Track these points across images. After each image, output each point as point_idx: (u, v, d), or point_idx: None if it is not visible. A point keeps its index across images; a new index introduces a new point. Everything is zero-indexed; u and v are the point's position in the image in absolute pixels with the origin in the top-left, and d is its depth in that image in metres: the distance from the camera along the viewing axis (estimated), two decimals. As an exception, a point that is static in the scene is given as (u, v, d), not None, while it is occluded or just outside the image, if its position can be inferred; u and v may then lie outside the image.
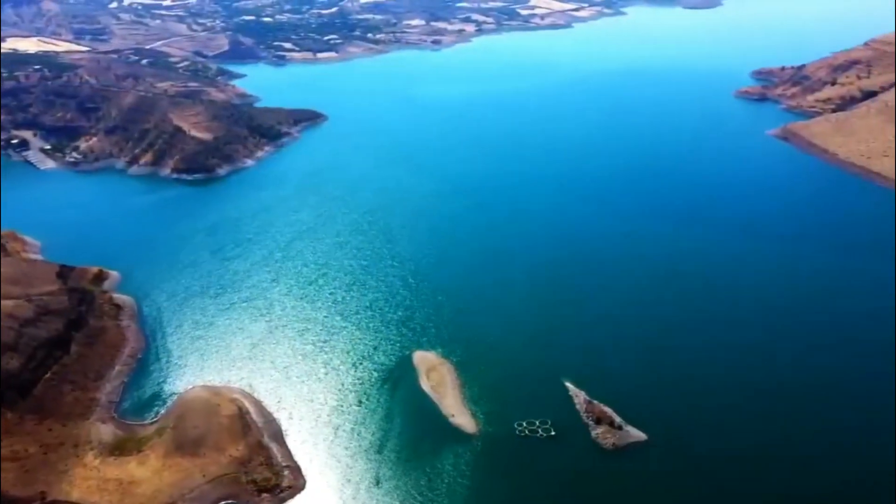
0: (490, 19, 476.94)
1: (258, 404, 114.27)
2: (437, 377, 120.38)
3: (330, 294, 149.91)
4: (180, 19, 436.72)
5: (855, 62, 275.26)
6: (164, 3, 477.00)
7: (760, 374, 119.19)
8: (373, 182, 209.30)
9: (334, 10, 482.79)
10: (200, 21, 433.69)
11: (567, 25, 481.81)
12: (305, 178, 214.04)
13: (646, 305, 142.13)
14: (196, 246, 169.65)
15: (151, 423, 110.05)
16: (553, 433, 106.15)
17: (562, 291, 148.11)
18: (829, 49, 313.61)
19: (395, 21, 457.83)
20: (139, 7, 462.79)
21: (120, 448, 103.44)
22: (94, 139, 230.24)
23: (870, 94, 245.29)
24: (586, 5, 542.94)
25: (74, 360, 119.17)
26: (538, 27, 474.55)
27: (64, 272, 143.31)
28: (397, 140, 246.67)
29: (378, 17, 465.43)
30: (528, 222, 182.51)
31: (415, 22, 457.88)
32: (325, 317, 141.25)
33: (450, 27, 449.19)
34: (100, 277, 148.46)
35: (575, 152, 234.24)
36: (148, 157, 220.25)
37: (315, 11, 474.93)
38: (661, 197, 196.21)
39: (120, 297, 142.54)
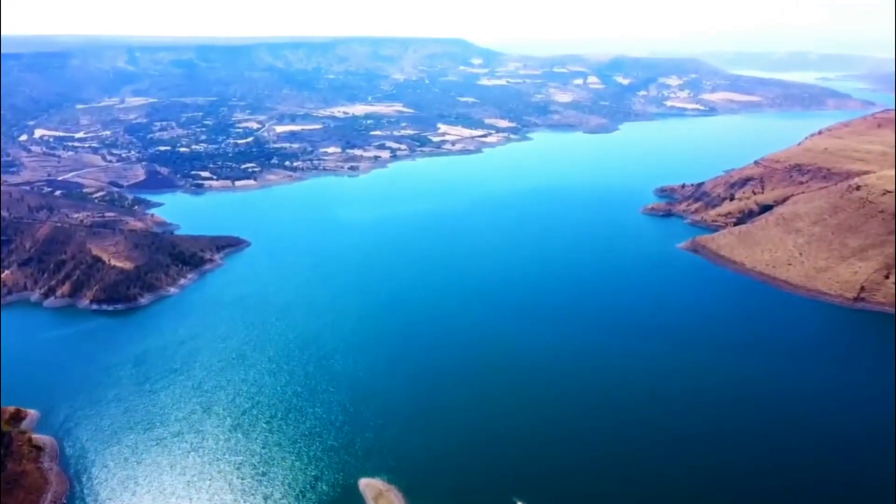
0: (404, 146, 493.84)
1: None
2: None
3: (266, 423, 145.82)
4: (94, 150, 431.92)
5: (749, 179, 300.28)
6: (77, 136, 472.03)
7: (714, 482, 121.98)
8: (300, 305, 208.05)
9: (250, 139, 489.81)
10: (115, 152, 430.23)
11: (477, 150, 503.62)
12: (231, 304, 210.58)
13: (587, 418, 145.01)
14: (120, 379, 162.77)
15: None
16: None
17: (501, 409, 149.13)
18: (721, 167, 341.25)
19: (311, 149, 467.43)
20: (51, 139, 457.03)
21: None
22: (7, 272, 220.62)
23: (766, 208, 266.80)
24: (493, 132, 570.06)
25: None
26: (450, 152, 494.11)
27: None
28: (322, 262, 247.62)
29: (294, 145, 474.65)
30: (459, 338, 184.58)
31: (331, 149, 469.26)
32: (262, 448, 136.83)
33: (365, 154, 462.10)
34: (17, 418, 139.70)
35: (497, 267, 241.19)
36: (65, 289, 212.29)
37: (231, 141, 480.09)
38: (590, 311, 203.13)
39: (40, 438, 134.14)
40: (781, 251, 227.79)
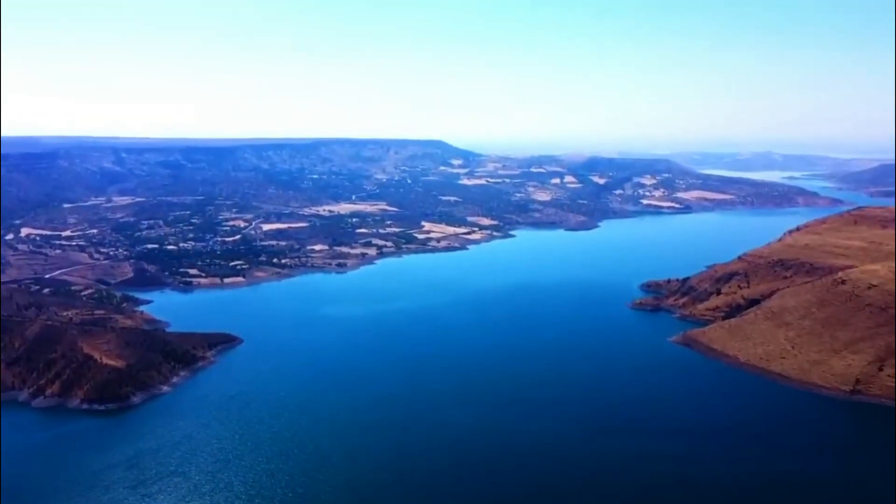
0: (389, 243, 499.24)
1: None
2: None
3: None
4: (81, 248, 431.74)
5: (734, 274, 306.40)
6: (64, 234, 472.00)
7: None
8: (295, 403, 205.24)
9: (238, 237, 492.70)
10: (102, 250, 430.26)
11: (462, 247, 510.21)
12: (225, 402, 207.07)
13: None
14: (113, 482, 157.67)
15: None
16: None
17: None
18: (703, 263, 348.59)
19: (298, 246, 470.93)
20: (38, 238, 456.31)
21: None
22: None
23: (753, 302, 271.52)
24: (477, 229, 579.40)
25: None
26: (436, 249, 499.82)
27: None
28: (314, 359, 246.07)
29: (282, 242, 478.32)
30: (450, 433, 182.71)
31: (318, 247, 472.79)
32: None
33: (352, 251, 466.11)
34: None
35: (488, 362, 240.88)
36: (55, 388, 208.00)
37: (219, 239, 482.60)
38: (588, 407, 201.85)
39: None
40: (773, 345, 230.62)
